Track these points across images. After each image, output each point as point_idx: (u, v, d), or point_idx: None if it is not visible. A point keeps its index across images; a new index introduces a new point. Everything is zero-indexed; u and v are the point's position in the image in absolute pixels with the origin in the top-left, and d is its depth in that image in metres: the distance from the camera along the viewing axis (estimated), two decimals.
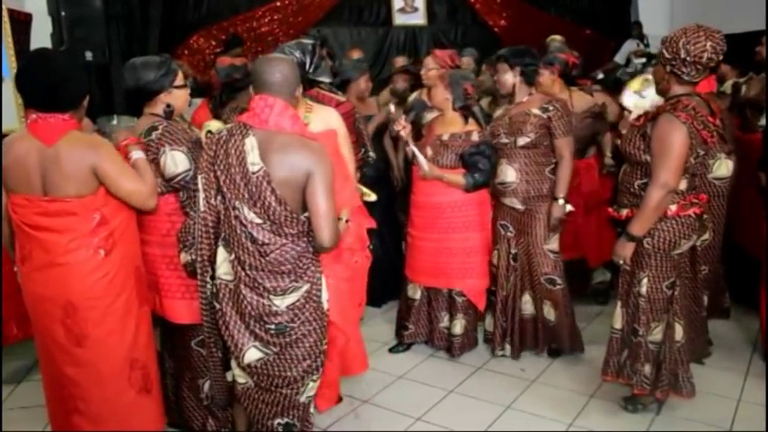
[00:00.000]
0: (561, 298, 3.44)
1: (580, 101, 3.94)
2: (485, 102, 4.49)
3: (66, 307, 2.36)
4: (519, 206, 3.41)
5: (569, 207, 3.38)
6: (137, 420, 2.53)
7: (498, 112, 3.59)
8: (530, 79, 3.43)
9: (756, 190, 3.59)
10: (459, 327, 3.56)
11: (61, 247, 2.33)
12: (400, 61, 5.87)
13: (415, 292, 3.66)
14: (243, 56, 5.86)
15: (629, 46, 8.11)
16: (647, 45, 7.91)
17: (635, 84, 3.33)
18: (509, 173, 3.39)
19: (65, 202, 2.32)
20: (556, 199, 3.36)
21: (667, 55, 2.62)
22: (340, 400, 3.11)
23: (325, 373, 2.53)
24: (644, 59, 4.77)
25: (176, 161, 2.48)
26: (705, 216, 2.91)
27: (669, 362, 2.83)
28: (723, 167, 3.43)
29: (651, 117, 2.70)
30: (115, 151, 2.43)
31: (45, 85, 2.30)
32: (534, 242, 3.41)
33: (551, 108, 3.34)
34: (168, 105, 2.59)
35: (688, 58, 2.57)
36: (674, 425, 2.89)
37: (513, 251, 3.49)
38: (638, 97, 3.25)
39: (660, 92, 2.79)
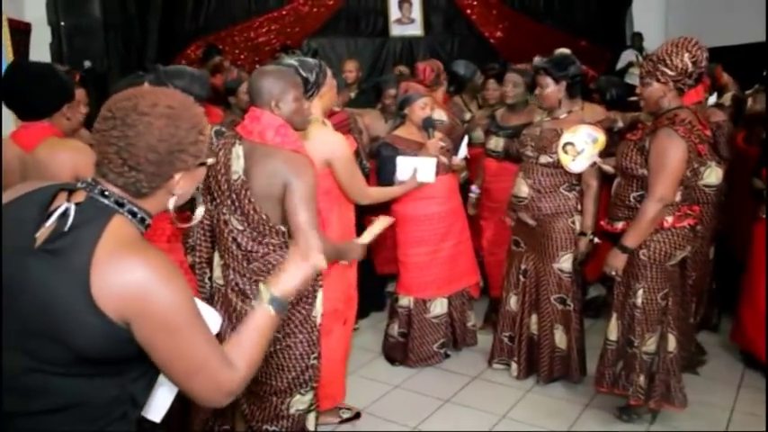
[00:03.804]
0: (573, 320, 3.26)
1: (591, 114, 3.90)
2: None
3: None
4: (530, 221, 3.27)
5: (596, 240, 3.22)
6: None
7: (537, 119, 3.41)
8: (574, 93, 3.22)
9: (749, 194, 3.60)
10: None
11: None
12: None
13: (444, 307, 3.61)
14: (222, 66, 5.74)
15: (628, 56, 8.15)
16: (645, 57, 7.93)
17: (566, 157, 3.06)
18: (522, 188, 3.25)
19: None
20: (583, 234, 3.19)
21: (671, 72, 2.61)
22: (357, 416, 3.12)
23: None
24: None
25: None
26: (699, 227, 2.93)
27: (662, 372, 2.85)
28: (713, 175, 3.44)
29: (649, 131, 2.71)
30: (92, 152, 2.47)
31: (19, 94, 2.36)
32: (544, 260, 3.26)
33: None
34: None
35: (694, 70, 2.60)
36: None
37: (522, 267, 3.37)
38: (582, 159, 3.05)
39: (648, 110, 2.79)
